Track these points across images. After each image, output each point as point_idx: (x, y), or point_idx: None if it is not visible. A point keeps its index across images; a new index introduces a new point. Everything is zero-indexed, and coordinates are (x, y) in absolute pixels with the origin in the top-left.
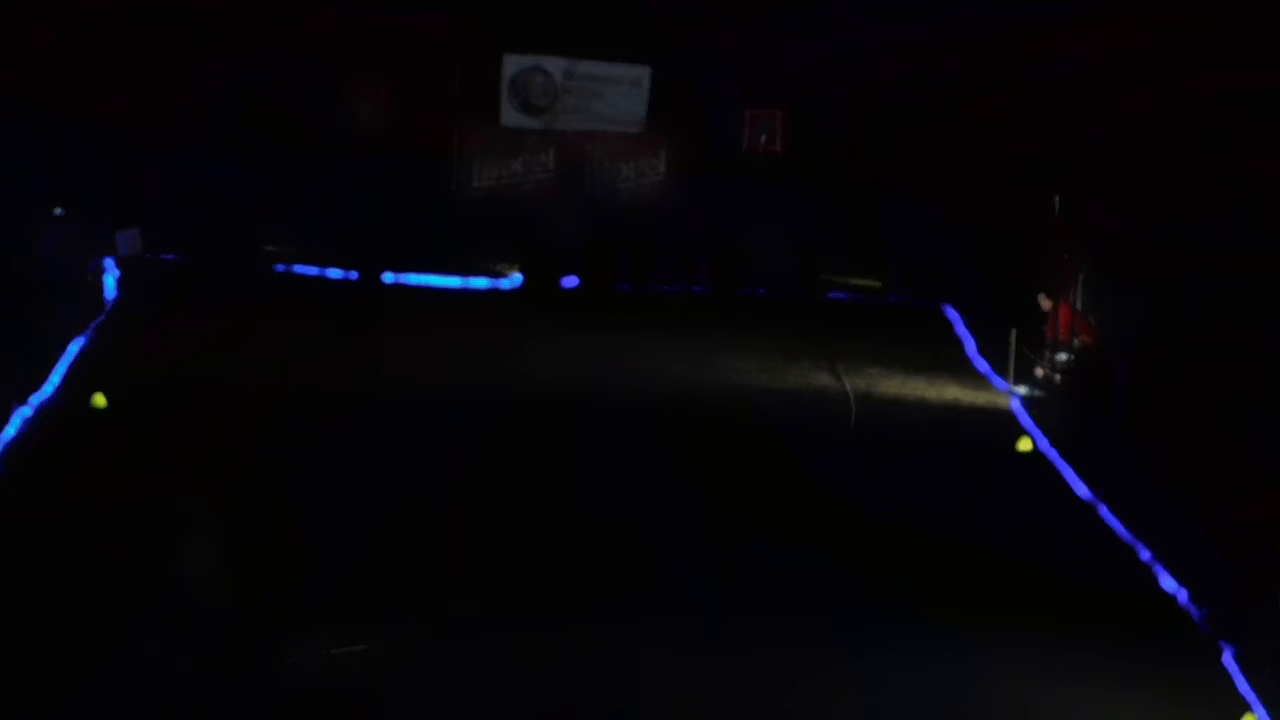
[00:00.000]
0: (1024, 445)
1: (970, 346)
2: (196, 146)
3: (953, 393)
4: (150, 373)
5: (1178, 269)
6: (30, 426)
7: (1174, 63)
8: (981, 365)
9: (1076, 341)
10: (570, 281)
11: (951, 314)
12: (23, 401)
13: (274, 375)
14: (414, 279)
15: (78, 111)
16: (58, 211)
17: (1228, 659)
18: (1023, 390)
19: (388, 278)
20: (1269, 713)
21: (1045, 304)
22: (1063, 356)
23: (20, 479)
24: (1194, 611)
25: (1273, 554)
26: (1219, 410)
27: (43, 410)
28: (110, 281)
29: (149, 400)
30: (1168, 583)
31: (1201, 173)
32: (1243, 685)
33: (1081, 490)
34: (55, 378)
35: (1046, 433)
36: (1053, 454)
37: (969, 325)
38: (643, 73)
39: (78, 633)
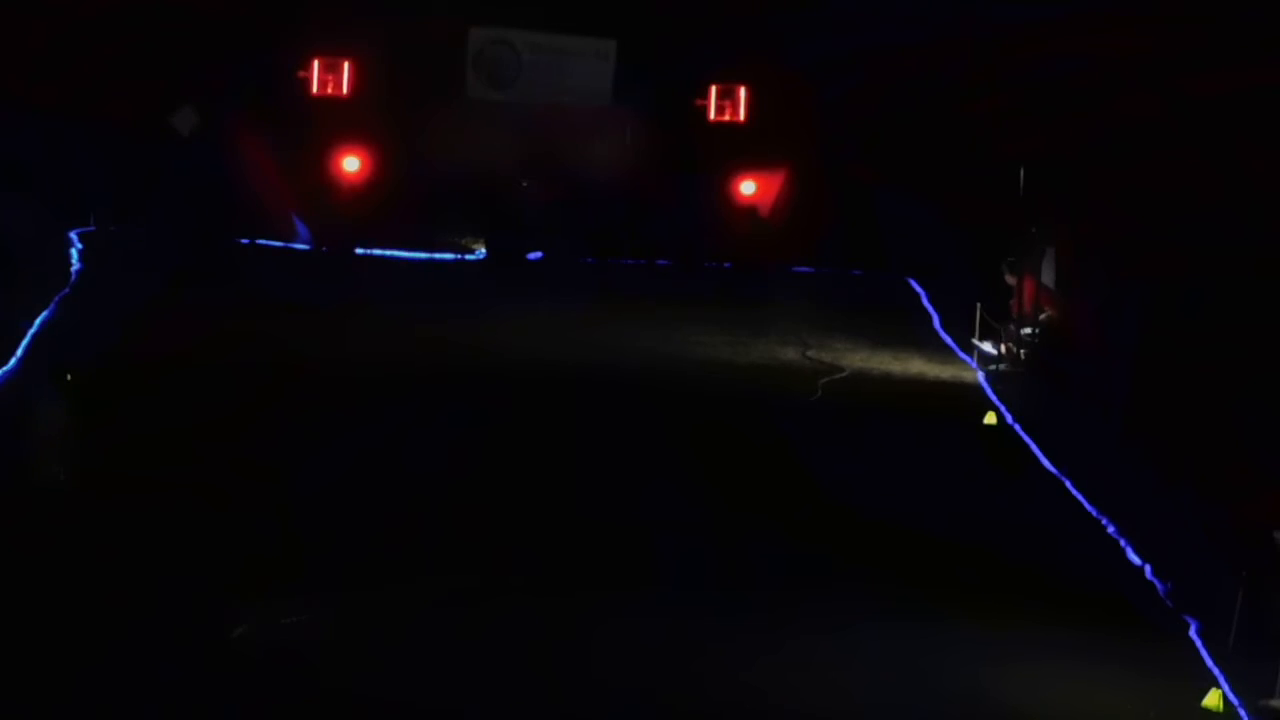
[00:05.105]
0: (989, 419)
1: (936, 320)
2: (194, 145)
3: (917, 366)
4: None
5: (1178, 269)
6: None
7: (1174, 63)
8: (947, 339)
9: (1041, 315)
10: (535, 255)
11: (916, 287)
12: None
13: (260, 354)
14: (382, 252)
15: (78, 111)
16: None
17: (1192, 633)
18: (988, 363)
19: (358, 251)
20: (1233, 686)
21: (1010, 279)
22: (1027, 331)
23: None
24: (1159, 586)
25: (1272, 551)
26: (1219, 410)
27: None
28: (74, 254)
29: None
30: (1133, 558)
31: (1201, 173)
32: (1207, 658)
33: (1046, 465)
34: (19, 350)
35: (1010, 406)
36: (1017, 428)
37: (936, 300)
38: (609, 46)
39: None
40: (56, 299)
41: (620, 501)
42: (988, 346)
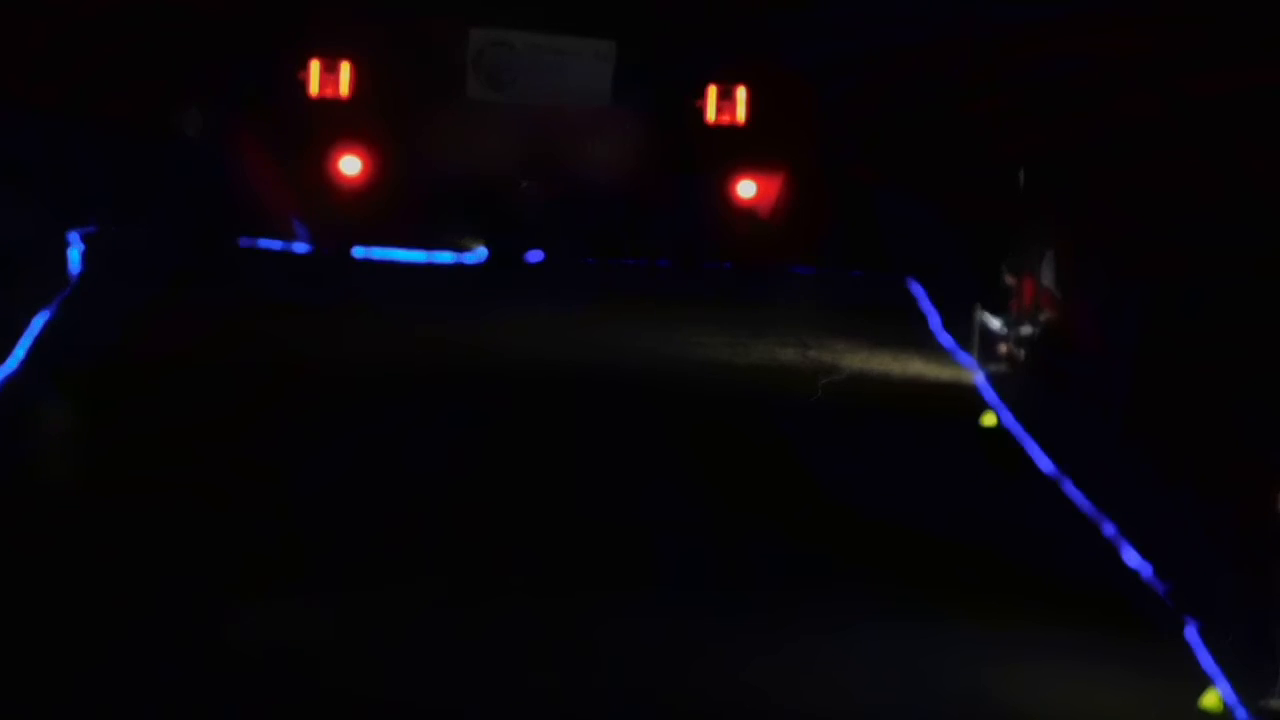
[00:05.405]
0: (988, 420)
1: (935, 321)
2: (195, 145)
3: (917, 366)
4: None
5: (1178, 269)
6: None
7: (1174, 63)
8: (946, 340)
9: (1041, 316)
10: (535, 256)
11: (916, 288)
12: None
13: (260, 354)
14: (381, 253)
15: (78, 111)
16: None
17: (1191, 633)
18: (992, 346)
19: (357, 252)
20: (1232, 686)
21: (1009, 279)
22: (1027, 331)
23: None
24: (1158, 586)
25: (1272, 551)
26: (1219, 409)
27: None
28: (74, 254)
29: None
30: (1132, 557)
31: (1201, 173)
32: (1205, 658)
33: (1046, 465)
34: (20, 351)
35: (1010, 406)
36: (1017, 429)
37: (935, 300)
38: (608, 46)
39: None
40: (57, 299)
41: (620, 501)
42: (996, 324)
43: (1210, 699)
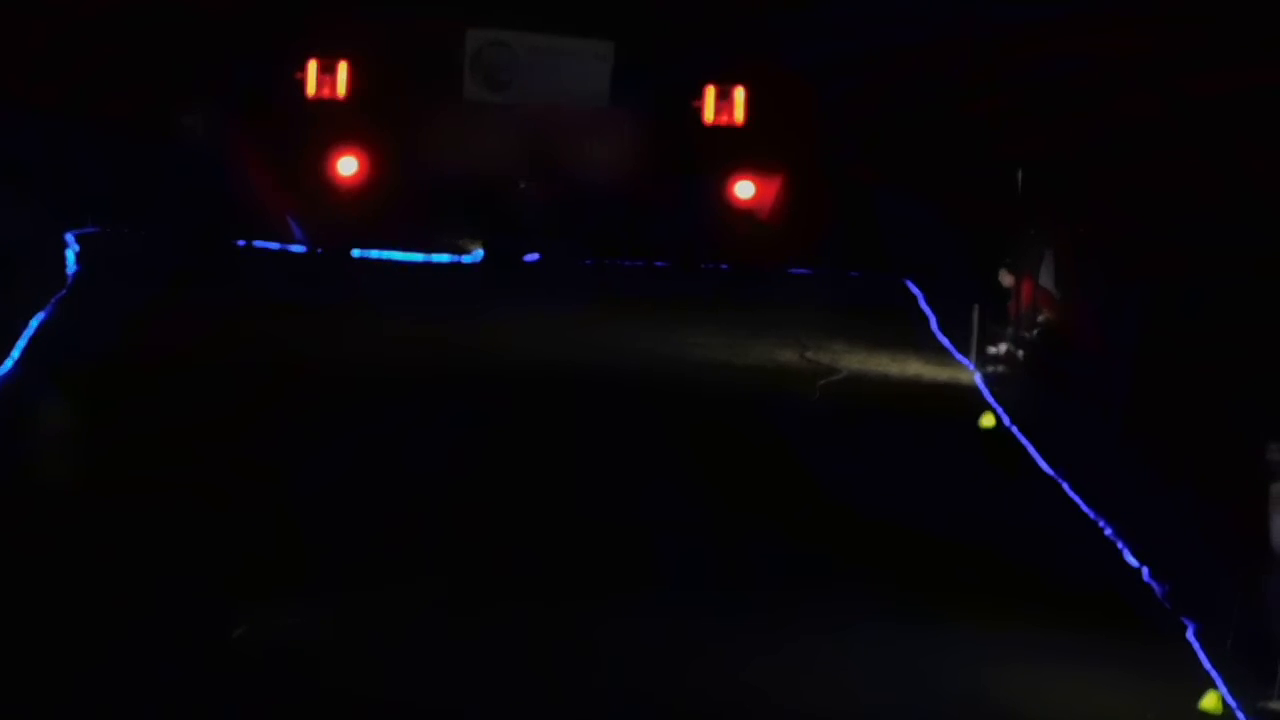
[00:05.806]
0: (986, 421)
1: (934, 321)
2: (195, 146)
3: (915, 367)
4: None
5: (1178, 269)
6: None
7: (1174, 63)
8: (945, 340)
9: (1040, 317)
10: (533, 256)
11: (914, 288)
12: None
13: (260, 354)
14: (380, 254)
15: (78, 111)
16: None
17: (1190, 634)
18: (994, 363)
19: (354, 253)
20: (1231, 687)
21: (1007, 280)
22: (1025, 333)
23: None
24: (1158, 587)
25: (1270, 552)
26: (1219, 409)
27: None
28: (73, 254)
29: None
30: (1131, 559)
31: (1201, 173)
32: (1205, 660)
33: (1045, 466)
34: (15, 352)
35: (1009, 407)
36: (1016, 429)
37: (934, 301)
38: (607, 47)
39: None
40: (54, 300)
41: (620, 501)
42: (999, 348)
43: (1210, 701)
